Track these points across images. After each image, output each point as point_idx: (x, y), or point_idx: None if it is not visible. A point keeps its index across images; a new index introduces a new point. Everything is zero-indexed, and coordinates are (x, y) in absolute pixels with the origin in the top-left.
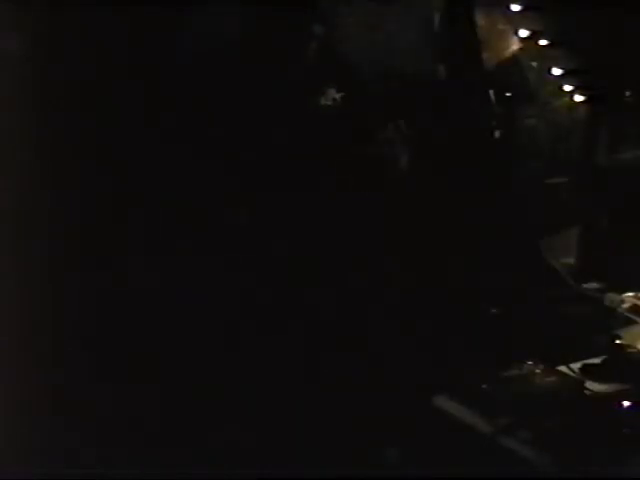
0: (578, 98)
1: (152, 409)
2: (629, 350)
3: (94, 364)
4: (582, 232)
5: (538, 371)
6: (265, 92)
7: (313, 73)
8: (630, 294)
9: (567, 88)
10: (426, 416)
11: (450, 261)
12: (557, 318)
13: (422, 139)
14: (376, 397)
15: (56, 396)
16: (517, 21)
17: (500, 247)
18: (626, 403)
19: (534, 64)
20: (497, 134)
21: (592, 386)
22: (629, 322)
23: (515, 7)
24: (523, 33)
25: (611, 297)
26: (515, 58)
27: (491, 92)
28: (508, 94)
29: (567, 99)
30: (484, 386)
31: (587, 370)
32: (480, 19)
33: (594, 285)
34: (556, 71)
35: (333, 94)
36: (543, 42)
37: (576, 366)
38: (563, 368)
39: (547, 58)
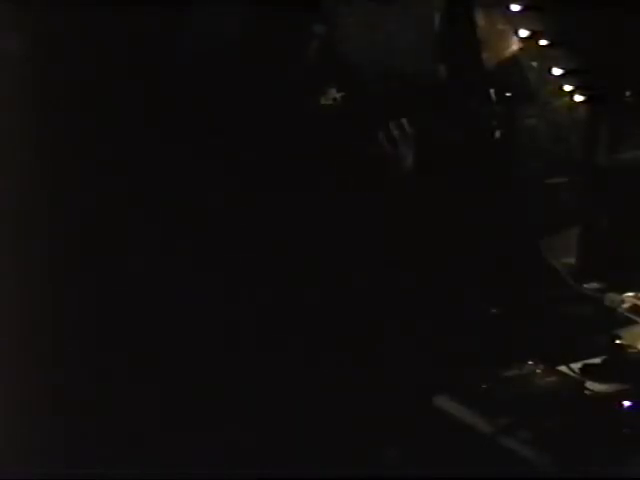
0: (578, 98)
1: (152, 409)
2: (629, 350)
3: (94, 364)
4: (582, 232)
5: (538, 371)
6: (265, 92)
7: (313, 73)
8: (630, 294)
9: (567, 88)
10: (426, 416)
11: (450, 261)
12: (557, 318)
13: (422, 139)
14: (376, 397)
15: (56, 396)
16: (517, 21)
17: (500, 247)
18: (626, 403)
19: (534, 64)
20: (497, 134)
21: (592, 386)
22: (629, 322)
23: (515, 7)
24: (523, 33)
25: (611, 297)
26: (515, 58)
27: (491, 92)
28: (508, 94)
29: (567, 99)
30: (484, 386)
31: (587, 370)
32: (480, 19)
33: (594, 285)
34: (556, 71)
35: (334, 94)
36: (543, 42)
37: (576, 366)
38: (563, 368)
39: (547, 58)
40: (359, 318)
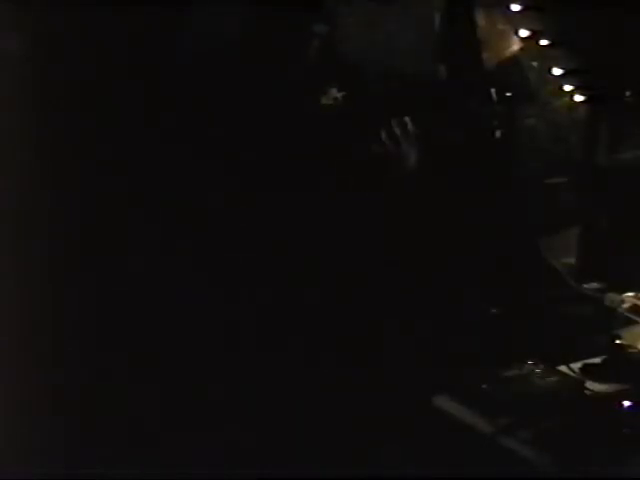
0: (578, 98)
1: (152, 409)
2: (629, 350)
3: (94, 364)
4: (582, 232)
5: (538, 371)
6: (266, 92)
7: (314, 73)
8: (630, 294)
9: (567, 88)
10: (426, 416)
11: (450, 261)
12: (557, 318)
13: (422, 139)
14: (376, 397)
15: (56, 396)
16: (517, 21)
17: (500, 247)
18: (626, 403)
19: (534, 64)
20: (497, 134)
21: (592, 386)
22: (629, 322)
23: (515, 7)
24: (523, 33)
25: (611, 297)
26: (515, 58)
27: (492, 92)
28: (508, 94)
29: (567, 99)
30: (484, 386)
31: (587, 370)
32: (480, 19)
33: (594, 285)
34: (556, 71)
35: (334, 94)
36: (543, 42)
37: (576, 366)
38: (563, 368)
39: (547, 58)
40: (359, 318)
